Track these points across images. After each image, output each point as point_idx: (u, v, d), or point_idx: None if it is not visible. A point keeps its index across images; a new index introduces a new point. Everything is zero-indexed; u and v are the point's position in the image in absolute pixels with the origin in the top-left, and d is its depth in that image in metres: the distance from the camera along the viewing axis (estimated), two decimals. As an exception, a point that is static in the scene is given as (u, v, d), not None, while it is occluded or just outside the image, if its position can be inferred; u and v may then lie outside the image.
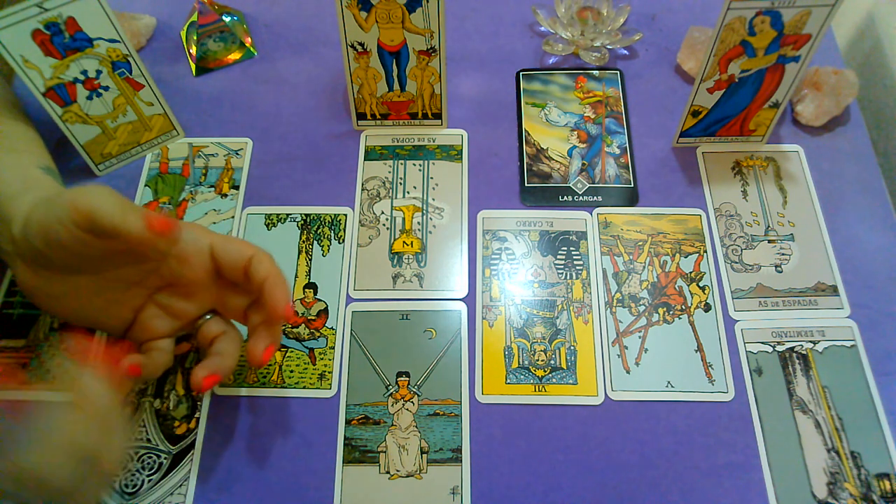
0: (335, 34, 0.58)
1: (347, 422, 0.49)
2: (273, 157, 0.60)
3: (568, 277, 0.54)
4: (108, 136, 0.58)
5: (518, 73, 0.65)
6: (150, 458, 0.48)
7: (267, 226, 0.57)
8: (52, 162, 0.52)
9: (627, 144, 0.60)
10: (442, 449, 0.48)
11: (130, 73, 0.55)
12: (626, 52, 0.66)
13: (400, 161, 0.60)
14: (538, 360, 0.51)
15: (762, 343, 0.51)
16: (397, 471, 0.48)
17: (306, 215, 0.57)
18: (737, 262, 0.55)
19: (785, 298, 0.53)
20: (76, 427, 0.36)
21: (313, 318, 0.53)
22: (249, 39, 0.67)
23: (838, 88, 0.60)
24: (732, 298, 0.53)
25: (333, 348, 0.52)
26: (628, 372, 0.50)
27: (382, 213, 0.57)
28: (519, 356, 0.51)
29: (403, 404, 0.50)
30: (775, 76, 0.53)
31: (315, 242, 0.56)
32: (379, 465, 0.48)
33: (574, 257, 0.55)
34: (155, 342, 0.46)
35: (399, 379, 0.50)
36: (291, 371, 0.51)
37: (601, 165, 0.59)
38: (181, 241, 0.43)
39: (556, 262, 0.55)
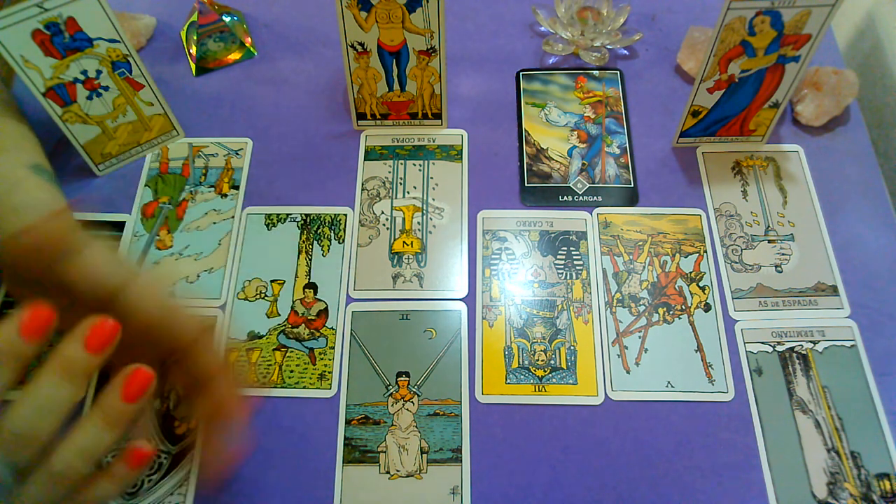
0: (335, 34, 0.58)
1: (347, 422, 0.49)
2: (273, 157, 0.60)
3: (568, 277, 0.54)
4: (108, 136, 0.58)
5: (518, 73, 0.65)
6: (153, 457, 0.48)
7: (267, 226, 0.57)
8: (45, 159, 0.52)
9: (627, 144, 0.60)
10: (442, 449, 0.48)
11: (130, 73, 0.55)
12: (626, 52, 0.66)
13: (400, 161, 0.60)
14: (538, 360, 0.51)
15: (762, 343, 0.51)
16: (397, 471, 0.48)
17: (306, 215, 0.57)
18: (737, 262, 0.55)
19: (785, 298, 0.53)
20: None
21: (313, 318, 0.53)
22: (249, 39, 0.67)
23: (838, 88, 0.60)
24: (732, 298, 0.53)
25: (333, 348, 0.52)
26: (628, 372, 0.50)
27: (382, 213, 0.57)
28: (519, 356, 0.51)
29: (403, 404, 0.50)
30: (775, 76, 0.53)
31: (315, 242, 0.56)
32: (379, 465, 0.48)
33: (574, 257, 0.55)
34: None
35: (399, 379, 0.50)
36: (291, 371, 0.51)
37: (601, 165, 0.59)
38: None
39: (556, 262, 0.55)
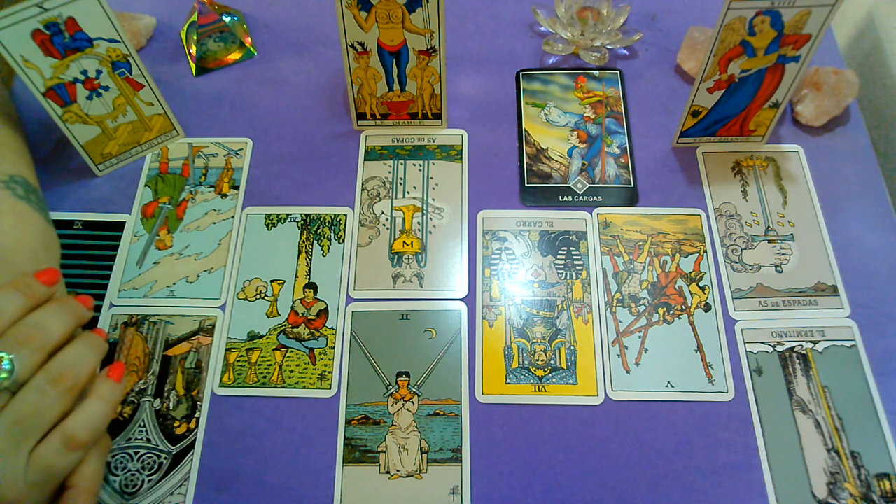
0: (335, 34, 0.58)
1: (347, 422, 0.49)
2: (273, 157, 0.60)
3: (568, 277, 0.54)
4: (108, 136, 0.58)
5: (518, 73, 0.65)
6: (150, 458, 0.48)
7: (267, 226, 0.57)
8: (28, 167, 0.52)
9: (627, 144, 0.60)
10: (442, 449, 0.48)
11: (130, 73, 0.55)
12: (626, 52, 0.66)
13: (400, 161, 0.60)
14: (538, 360, 0.51)
15: (762, 343, 0.51)
16: (397, 471, 0.48)
17: (306, 215, 0.57)
18: (737, 262, 0.55)
19: (785, 298, 0.53)
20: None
21: (313, 318, 0.53)
22: (249, 39, 0.67)
23: (838, 88, 0.59)
24: (732, 298, 0.53)
25: (333, 348, 0.52)
26: (628, 372, 0.50)
27: (382, 213, 0.57)
28: (519, 356, 0.51)
29: (403, 404, 0.50)
30: (775, 76, 0.53)
31: (315, 242, 0.56)
32: (379, 465, 0.48)
33: (574, 257, 0.55)
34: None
35: (399, 379, 0.50)
36: (291, 371, 0.51)
37: (601, 165, 0.59)
38: None
39: (556, 262, 0.55)
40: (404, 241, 0.56)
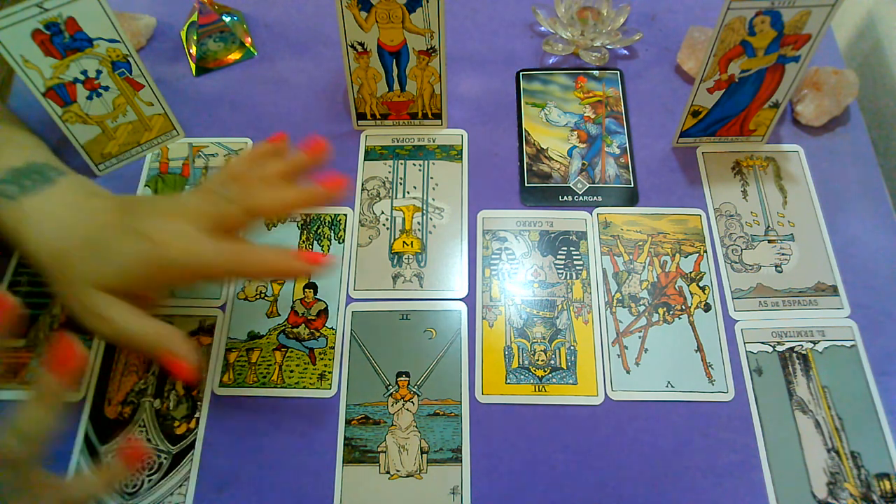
0: (335, 34, 0.58)
1: (347, 422, 0.49)
2: (273, 157, 0.60)
3: (568, 277, 0.54)
4: (108, 136, 0.58)
5: (518, 73, 0.65)
6: (150, 457, 0.48)
7: (267, 226, 0.57)
8: (9, 154, 0.50)
9: (627, 144, 0.60)
10: (442, 449, 0.48)
11: (130, 73, 0.55)
12: (626, 52, 0.66)
13: (400, 161, 0.60)
14: (538, 360, 0.51)
15: (762, 343, 0.51)
16: (397, 471, 0.48)
17: (306, 215, 0.57)
18: (737, 262, 0.55)
19: (785, 298, 0.53)
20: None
21: (313, 318, 0.53)
22: (249, 39, 0.67)
23: (838, 88, 0.60)
24: (732, 298, 0.53)
25: (333, 348, 0.52)
26: (628, 372, 0.50)
27: (382, 213, 0.57)
28: (519, 356, 0.51)
29: (403, 404, 0.50)
30: (775, 76, 0.53)
31: (315, 242, 0.56)
32: (379, 465, 0.48)
33: (574, 257, 0.55)
34: None
35: (399, 379, 0.51)
36: (291, 371, 0.51)
37: (601, 165, 0.59)
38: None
39: (556, 262, 0.55)
40: (404, 241, 0.56)
